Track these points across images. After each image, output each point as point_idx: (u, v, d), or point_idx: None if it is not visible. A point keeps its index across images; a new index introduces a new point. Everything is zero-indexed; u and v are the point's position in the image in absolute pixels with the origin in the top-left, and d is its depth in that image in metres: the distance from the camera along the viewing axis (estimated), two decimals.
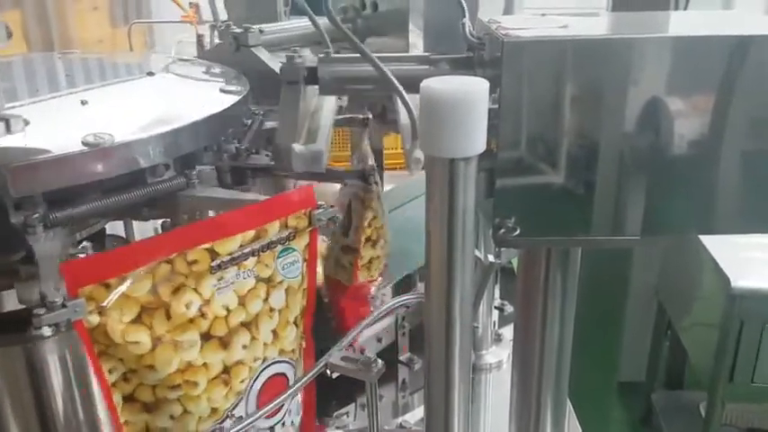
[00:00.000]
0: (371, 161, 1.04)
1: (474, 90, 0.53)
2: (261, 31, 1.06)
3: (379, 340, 1.22)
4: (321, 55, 0.76)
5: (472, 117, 0.54)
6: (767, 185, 0.64)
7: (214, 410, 0.69)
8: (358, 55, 0.70)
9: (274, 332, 0.73)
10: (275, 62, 1.05)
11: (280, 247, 0.72)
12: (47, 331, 0.55)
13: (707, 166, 0.63)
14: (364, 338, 1.18)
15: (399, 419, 1.23)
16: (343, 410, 1.19)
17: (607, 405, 2.42)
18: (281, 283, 0.73)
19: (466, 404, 0.66)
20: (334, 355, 0.65)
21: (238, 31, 1.03)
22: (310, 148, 0.75)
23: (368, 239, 1.04)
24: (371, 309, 1.06)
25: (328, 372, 1.11)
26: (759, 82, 0.61)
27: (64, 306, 0.56)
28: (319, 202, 0.72)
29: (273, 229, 0.70)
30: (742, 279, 1.80)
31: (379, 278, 1.14)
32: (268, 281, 0.71)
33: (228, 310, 0.68)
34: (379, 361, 0.65)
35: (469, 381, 0.65)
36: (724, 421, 2.34)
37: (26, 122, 0.66)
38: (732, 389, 1.89)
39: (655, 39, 0.61)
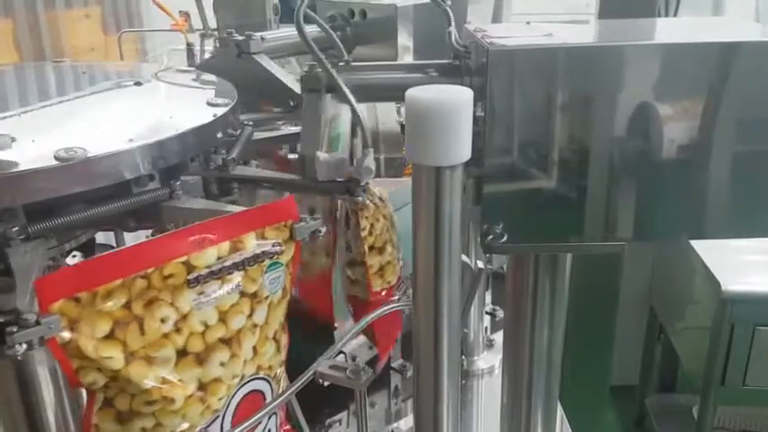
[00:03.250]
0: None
1: (458, 99, 0.54)
2: (263, 39, 1.06)
3: (371, 347, 1.23)
4: (341, 63, 0.77)
5: (456, 125, 0.54)
6: (755, 190, 0.65)
7: (189, 427, 0.66)
8: (377, 63, 0.72)
9: (254, 348, 0.71)
10: (277, 69, 1.05)
11: (268, 262, 0.69)
12: (19, 350, 0.53)
13: (695, 172, 0.64)
14: (356, 346, 1.18)
15: (392, 426, 1.23)
16: (336, 418, 1.19)
17: (599, 409, 2.42)
18: (266, 298, 0.71)
19: (455, 410, 0.66)
20: (323, 364, 0.65)
21: (240, 38, 1.04)
22: (334, 156, 0.75)
23: (372, 248, 1.01)
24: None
25: (320, 381, 1.12)
26: (746, 87, 0.61)
27: (38, 323, 0.54)
28: (302, 216, 0.70)
29: (250, 242, 0.68)
30: (733, 283, 1.82)
31: (398, 281, 1.12)
32: (253, 296, 0.69)
33: (207, 326, 0.65)
34: (368, 368, 0.65)
35: (458, 386, 0.65)
36: (717, 424, 2.35)
37: (13, 139, 0.65)
38: (724, 392, 1.90)
39: (639, 46, 0.62)
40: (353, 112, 0.67)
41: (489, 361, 1.30)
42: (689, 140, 0.63)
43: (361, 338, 1.20)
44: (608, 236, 0.66)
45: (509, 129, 0.63)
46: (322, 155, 0.75)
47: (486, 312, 1.38)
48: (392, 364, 1.29)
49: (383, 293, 1.06)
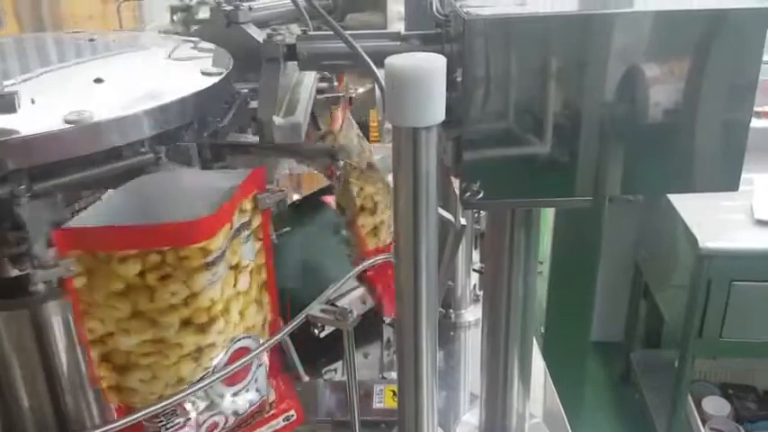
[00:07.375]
0: (352, 135, 1.08)
1: (431, 66, 0.59)
2: (250, 9, 1.10)
3: (364, 302, 1.30)
4: (299, 33, 0.81)
5: (431, 90, 0.59)
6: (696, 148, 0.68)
7: (181, 380, 0.71)
8: (365, 32, 0.75)
9: (241, 313, 0.76)
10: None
11: (245, 233, 0.73)
12: (41, 287, 0.59)
13: (667, 132, 0.67)
14: (350, 300, 1.25)
15: (383, 374, 1.30)
16: (331, 367, 1.26)
17: (581, 364, 2.50)
18: (246, 267, 0.74)
19: (434, 354, 0.72)
20: (315, 308, 0.71)
21: (229, 8, 1.07)
22: (289, 121, 0.79)
23: (362, 209, 1.08)
24: None
25: (315, 332, 1.19)
26: (729, 53, 0.63)
27: (56, 265, 0.60)
28: (268, 186, 0.74)
29: (235, 217, 0.71)
30: (710, 239, 1.89)
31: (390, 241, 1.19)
32: (236, 267, 0.73)
33: (213, 302, 0.69)
34: (355, 311, 0.72)
35: (436, 329, 0.71)
36: (696, 377, 2.44)
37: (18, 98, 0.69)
38: (701, 344, 1.98)
39: (616, 15, 0.64)
40: (374, 77, 0.70)
41: (475, 314, 1.37)
42: (646, 104, 0.65)
43: (356, 294, 1.27)
44: (578, 191, 0.70)
45: (486, 94, 0.66)
46: (278, 119, 0.79)
47: (474, 270, 1.44)
48: (384, 319, 1.36)
49: (377, 252, 1.12)
